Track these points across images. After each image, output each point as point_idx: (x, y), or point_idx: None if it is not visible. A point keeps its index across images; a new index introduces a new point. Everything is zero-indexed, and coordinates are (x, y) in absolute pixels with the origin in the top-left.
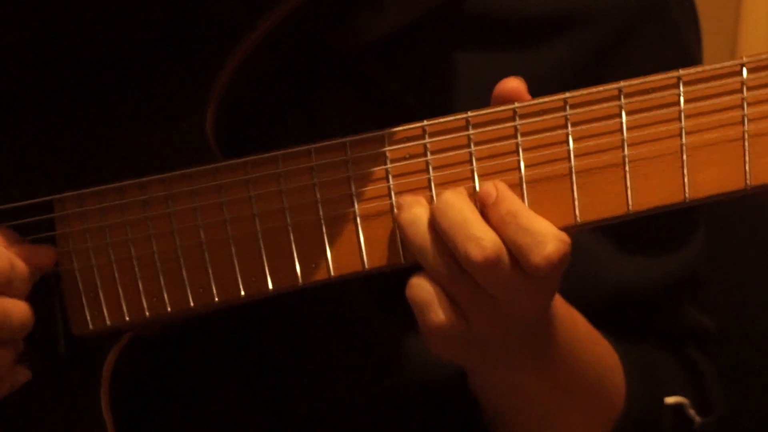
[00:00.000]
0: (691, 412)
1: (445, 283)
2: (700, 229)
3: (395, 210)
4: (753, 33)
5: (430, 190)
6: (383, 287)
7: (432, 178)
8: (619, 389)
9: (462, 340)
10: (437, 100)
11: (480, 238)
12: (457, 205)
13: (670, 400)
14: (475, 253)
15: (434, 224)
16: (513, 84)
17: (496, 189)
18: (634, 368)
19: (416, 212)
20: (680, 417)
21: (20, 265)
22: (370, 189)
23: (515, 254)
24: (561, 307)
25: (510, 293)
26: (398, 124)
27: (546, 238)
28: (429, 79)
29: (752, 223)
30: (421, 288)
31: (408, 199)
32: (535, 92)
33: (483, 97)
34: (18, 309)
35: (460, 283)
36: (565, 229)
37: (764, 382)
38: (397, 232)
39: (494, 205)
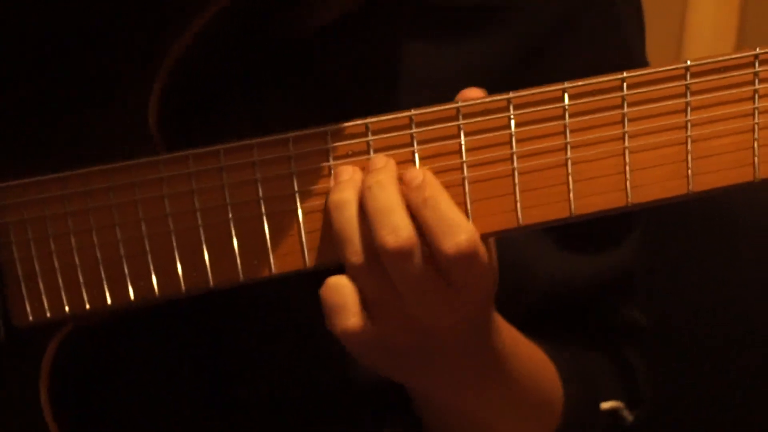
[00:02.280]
0: (625, 413)
1: (357, 273)
2: (638, 227)
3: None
4: (698, 29)
5: None
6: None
7: None
8: (556, 399)
9: (375, 346)
10: (380, 90)
11: (398, 227)
12: (387, 190)
13: (605, 405)
14: (390, 239)
15: (362, 204)
16: (474, 95)
17: (423, 174)
18: (571, 377)
19: (345, 196)
20: (615, 421)
21: None
22: (313, 186)
23: (429, 240)
24: (502, 325)
25: (418, 292)
26: (341, 116)
27: (460, 228)
28: (372, 69)
29: (693, 222)
30: (337, 290)
31: (342, 175)
32: (476, 83)
33: (426, 87)
34: None
35: (371, 274)
36: (509, 231)
37: (702, 377)
38: None
39: (418, 189)
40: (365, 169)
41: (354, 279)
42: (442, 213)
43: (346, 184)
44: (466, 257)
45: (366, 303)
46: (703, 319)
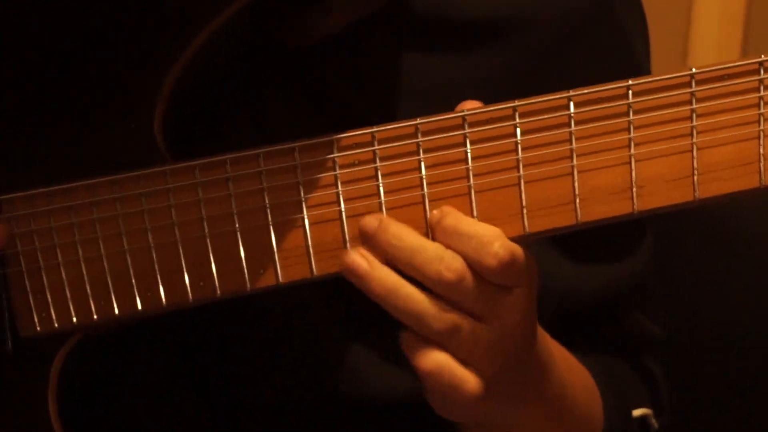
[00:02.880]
0: (653, 420)
1: (445, 338)
2: (648, 236)
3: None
4: (703, 38)
5: (379, 197)
6: (334, 293)
7: (381, 185)
8: (597, 409)
9: (493, 390)
10: (384, 101)
11: (441, 257)
12: (405, 236)
13: (637, 412)
14: (447, 274)
15: (398, 268)
16: (471, 106)
17: (440, 211)
18: (606, 386)
19: (391, 282)
20: (644, 427)
21: None
22: (319, 195)
23: (470, 264)
24: (542, 334)
25: (490, 304)
26: (346, 126)
27: (490, 238)
28: (376, 80)
29: (703, 230)
30: (440, 368)
31: (363, 265)
32: (481, 95)
33: (429, 99)
34: None
35: (454, 319)
36: (516, 239)
37: (712, 385)
38: (348, 245)
39: (439, 223)
40: (365, 238)
41: (444, 344)
42: (466, 233)
43: (375, 273)
44: (510, 263)
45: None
46: (703, 324)
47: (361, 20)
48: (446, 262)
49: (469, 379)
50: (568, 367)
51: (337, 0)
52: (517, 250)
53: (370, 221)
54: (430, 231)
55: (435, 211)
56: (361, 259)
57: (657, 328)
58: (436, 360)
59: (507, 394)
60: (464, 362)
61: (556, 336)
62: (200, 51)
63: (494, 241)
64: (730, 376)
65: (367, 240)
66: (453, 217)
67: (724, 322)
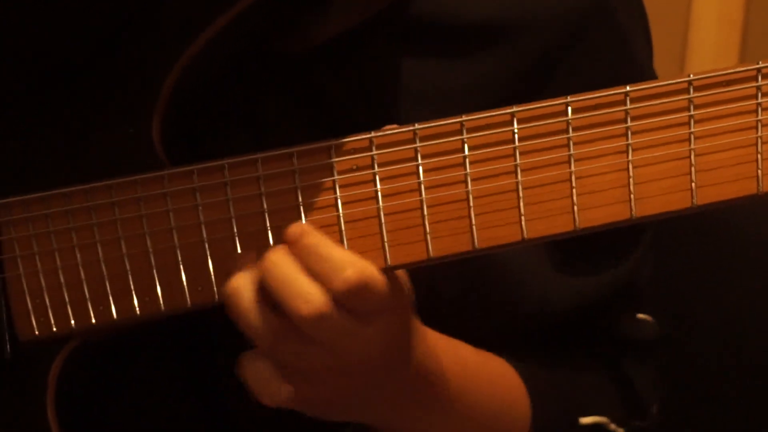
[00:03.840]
0: (612, 427)
1: (276, 352)
2: (641, 246)
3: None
4: (701, 45)
5: (377, 202)
6: None
7: (379, 190)
8: (524, 418)
9: (317, 402)
10: (382, 106)
11: (308, 294)
12: (281, 264)
13: (586, 419)
14: (305, 309)
15: (263, 285)
16: None
17: (300, 227)
18: (541, 394)
19: (235, 284)
20: None
21: None
22: (317, 200)
23: (324, 284)
24: (440, 346)
25: (343, 340)
26: (344, 131)
27: (344, 264)
28: (374, 85)
29: (700, 232)
30: (253, 366)
31: (237, 263)
32: (480, 99)
33: (427, 103)
34: None
35: (290, 346)
36: (513, 245)
37: (708, 382)
38: (346, 247)
39: (296, 242)
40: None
41: (268, 355)
42: (325, 255)
43: (235, 272)
44: (359, 289)
45: (285, 370)
46: (700, 326)
47: (359, 25)
48: (307, 300)
49: (282, 387)
50: (465, 375)
51: (335, 5)
52: (376, 281)
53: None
54: (289, 245)
55: (294, 226)
56: (239, 270)
57: (650, 327)
58: (255, 363)
59: (363, 403)
60: (294, 372)
61: (532, 343)
62: (197, 57)
63: (347, 268)
64: (729, 375)
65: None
66: (313, 238)
67: (721, 322)
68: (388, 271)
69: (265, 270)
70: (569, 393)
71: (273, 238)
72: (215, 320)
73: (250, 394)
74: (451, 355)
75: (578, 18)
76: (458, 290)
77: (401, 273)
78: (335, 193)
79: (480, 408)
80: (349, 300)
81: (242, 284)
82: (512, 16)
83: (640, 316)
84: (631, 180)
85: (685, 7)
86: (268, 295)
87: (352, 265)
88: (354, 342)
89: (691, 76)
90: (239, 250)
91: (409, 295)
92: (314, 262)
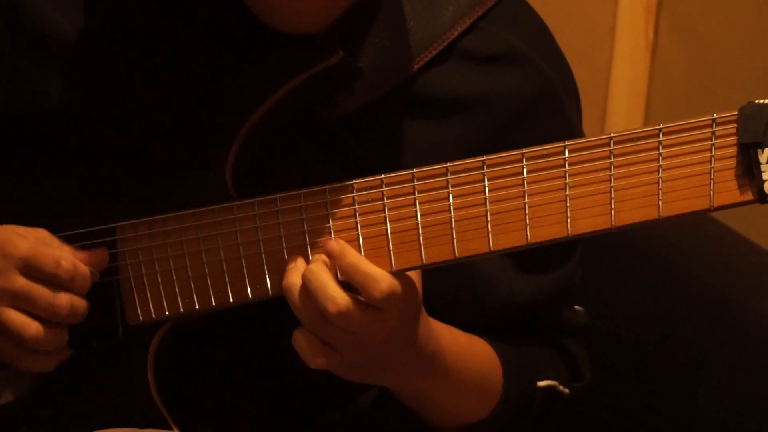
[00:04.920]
0: (560, 388)
1: (317, 331)
2: (577, 254)
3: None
4: (618, 100)
5: (386, 224)
6: None
7: (387, 216)
8: (496, 380)
9: (349, 369)
10: (389, 157)
11: (334, 297)
12: (317, 273)
13: (542, 383)
14: (332, 308)
15: (305, 287)
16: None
17: (340, 246)
18: (510, 365)
19: (291, 281)
20: (552, 394)
21: (82, 267)
22: (342, 222)
23: (362, 292)
24: (437, 329)
25: (363, 328)
26: (361, 174)
27: (379, 277)
28: (383, 141)
29: (614, 246)
30: (300, 339)
31: (289, 266)
32: (458, 153)
33: (421, 155)
34: (77, 302)
35: (326, 329)
36: (518, 248)
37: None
38: None
39: (338, 258)
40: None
41: (313, 331)
42: (363, 270)
43: (289, 271)
44: (390, 295)
45: (326, 342)
46: (618, 315)
47: (373, 99)
48: (334, 301)
49: (320, 358)
50: (459, 355)
51: (358, 85)
52: (399, 286)
53: (301, 263)
54: (331, 258)
55: (333, 244)
56: (292, 260)
57: (583, 317)
58: (301, 336)
59: (382, 369)
60: (330, 347)
61: (496, 328)
62: (255, 125)
63: (382, 281)
64: (640, 348)
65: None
66: (352, 256)
67: (633, 311)
68: (402, 274)
69: (305, 277)
70: (529, 364)
71: (311, 251)
72: (277, 309)
73: (302, 360)
74: (447, 336)
75: (530, 96)
76: (443, 289)
77: (415, 275)
78: (356, 217)
79: (468, 375)
80: (382, 303)
81: (292, 282)
82: (479, 92)
83: (576, 307)
84: (567, 208)
85: (604, 86)
86: None
87: (384, 278)
88: (377, 329)
89: (612, 134)
90: (286, 258)
91: (419, 292)
92: (355, 274)
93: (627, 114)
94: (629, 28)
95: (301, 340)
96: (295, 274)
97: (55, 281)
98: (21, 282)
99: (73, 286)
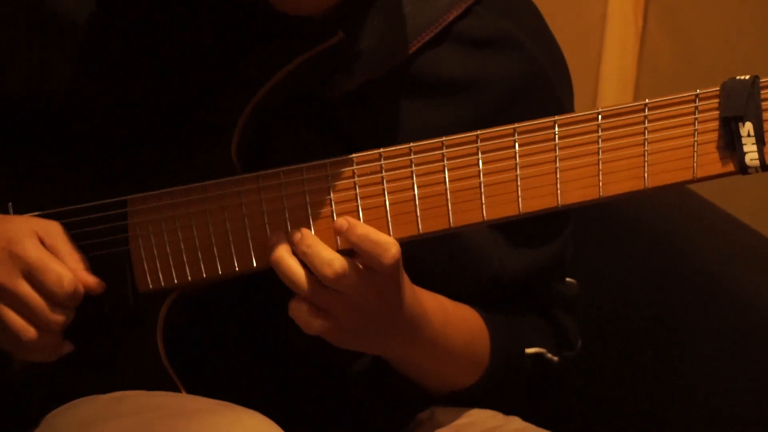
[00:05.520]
0: (549, 356)
1: (312, 298)
2: (569, 228)
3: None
4: (608, 87)
5: (384, 196)
6: None
7: (386, 188)
8: (486, 348)
9: (344, 334)
10: (386, 135)
11: (331, 261)
12: (310, 242)
13: (530, 350)
14: (329, 272)
15: (298, 255)
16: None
17: (347, 221)
18: (498, 331)
19: (278, 254)
20: (541, 361)
21: (80, 289)
22: (343, 194)
23: (370, 261)
24: (424, 296)
25: (358, 290)
26: (358, 151)
27: (389, 245)
28: (382, 121)
29: (604, 222)
30: (297, 308)
31: (273, 240)
32: (453, 133)
33: (416, 134)
34: (71, 317)
35: (322, 294)
36: (511, 218)
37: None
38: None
39: (348, 232)
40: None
41: (307, 299)
42: (373, 240)
43: (275, 245)
44: (398, 260)
45: (321, 308)
46: (606, 286)
47: (371, 80)
48: (330, 264)
49: (316, 320)
50: (446, 320)
51: (357, 66)
52: (400, 251)
53: (296, 233)
54: (339, 233)
55: (340, 221)
56: (274, 236)
57: (574, 288)
58: (298, 304)
59: (374, 335)
60: (325, 311)
61: (487, 300)
62: (258, 104)
63: (392, 247)
64: (624, 317)
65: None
66: (361, 228)
67: (618, 282)
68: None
69: (297, 246)
70: (518, 331)
71: (313, 222)
72: (277, 282)
73: (298, 327)
74: (433, 303)
75: (521, 79)
76: (435, 262)
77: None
78: (355, 190)
79: (455, 341)
80: (390, 269)
81: (282, 254)
82: (473, 75)
83: (568, 279)
84: (558, 179)
85: (595, 73)
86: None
87: (394, 245)
88: (371, 291)
89: (600, 109)
90: (289, 229)
91: (399, 259)
92: (367, 244)
93: (616, 101)
94: (619, 17)
95: (297, 309)
96: (283, 248)
97: (51, 297)
98: (23, 287)
99: (69, 305)
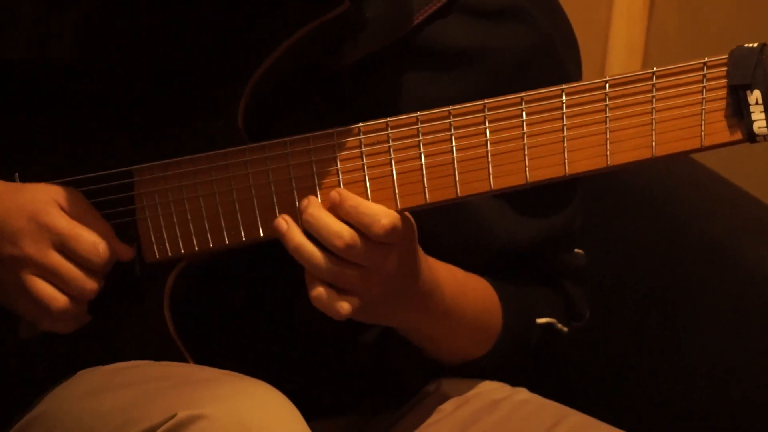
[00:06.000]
0: (559, 326)
1: (330, 277)
2: (577, 198)
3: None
4: (617, 56)
5: (391, 165)
6: None
7: (393, 158)
8: (496, 316)
9: (366, 310)
10: (391, 105)
11: (339, 232)
12: (316, 215)
13: (540, 320)
14: (339, 243)
15: (309, 233)
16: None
17: (338, 192)
18: (510, 302)
19: (297, 241)
20: (551, 332)
21: (111, 253)
22: (350, 164)
23: (364, 231)
24: (437, 267)
25: (372, 259)
26: (363, 121)
27: (381, 214)
28: (387, 92)
29: (611, 194)
30: (319, 296)
31: (283, 227)
32: (459, 102)
33: (425, 106)
34: (101, 284)
35: (339, 270)
36: (520, 186)
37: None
38: (370, 198)
39: (340, 204)
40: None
41: (327, 279)
42: (363, 212)
43: (287, 231)
44: (392, 228)
45: (341, 289)
46: (613, 257)
47: (376, 51)
48: (340, 236)
49: (343, 303)
50: (458, 290)
51: (363, 36)
52: (398, 222)
53: (302, 202)
54: (332, 205)
55: (333, 194)
56: (282, 222)
57: (582, 259)
58: (318, 290)
59: (394, 306)
60: (347, 292)
61: (497, 270)
62: (264, 73)
63: (382, 218)
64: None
65: (300, 215)
66: (352, 200)
67: (624, 253)
68: (402, 213)
69: (306, 222)
70: (529, 302)
71: (319, 191)
72: (284, 251)
73: (328, 314)
74: (446, 273)
75: (528, 50)
76: (444, 232)
77: (409, 215)
78: (362, 159)
79: (467, 311)
80: (385, 237)
81: (300, 241)
82: (479, 45)
83: (576, 250)
84: (565, 148)
85: (603, 44)
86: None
87: (385, 215)
88: (385, 262)
89: (607, 77)
90: (296, 201)
91: (414, 228)
92: (357, 216)
93: (625, 70)
94: None
95: (318, 297)
96: (294, 233)
97: (87, 264)
98: (54, 257)
99: (102, 270)
